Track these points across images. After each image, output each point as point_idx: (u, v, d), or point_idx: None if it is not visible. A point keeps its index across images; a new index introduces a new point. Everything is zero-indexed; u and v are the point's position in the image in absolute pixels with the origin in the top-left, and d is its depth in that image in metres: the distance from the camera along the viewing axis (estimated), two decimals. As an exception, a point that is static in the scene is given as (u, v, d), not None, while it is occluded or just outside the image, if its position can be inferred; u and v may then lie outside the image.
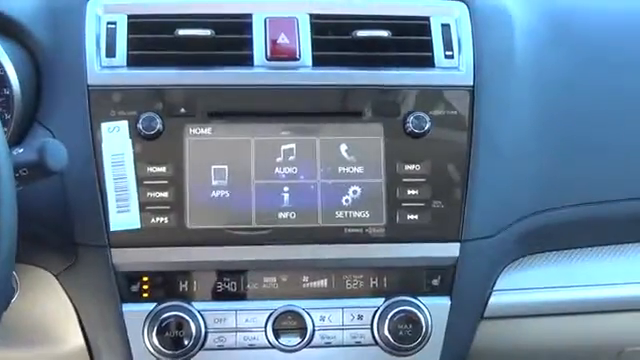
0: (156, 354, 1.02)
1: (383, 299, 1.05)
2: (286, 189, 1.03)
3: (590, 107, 1.12)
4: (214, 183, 1.02)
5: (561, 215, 1.09)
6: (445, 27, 1.08)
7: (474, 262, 1.06)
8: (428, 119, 1.03)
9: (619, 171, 1.12)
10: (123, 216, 1.02)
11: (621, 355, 1.23)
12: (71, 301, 1.07)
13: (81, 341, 1.08)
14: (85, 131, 1.02)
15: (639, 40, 1.18)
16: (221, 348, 1.04)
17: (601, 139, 1.12)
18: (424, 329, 1.04)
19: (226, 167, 1.03)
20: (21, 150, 0.87)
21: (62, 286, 1.06)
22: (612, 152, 1.12)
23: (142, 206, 1.02)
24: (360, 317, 1.05)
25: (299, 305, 1.05)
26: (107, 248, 1.02)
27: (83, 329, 1.08)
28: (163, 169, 1.02)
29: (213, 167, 1.02)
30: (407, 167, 1.04)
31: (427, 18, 1.08)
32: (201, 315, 1.03)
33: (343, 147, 1.03)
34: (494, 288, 1.10)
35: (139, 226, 1.02)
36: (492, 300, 1.10)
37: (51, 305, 1.08)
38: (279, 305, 1.05)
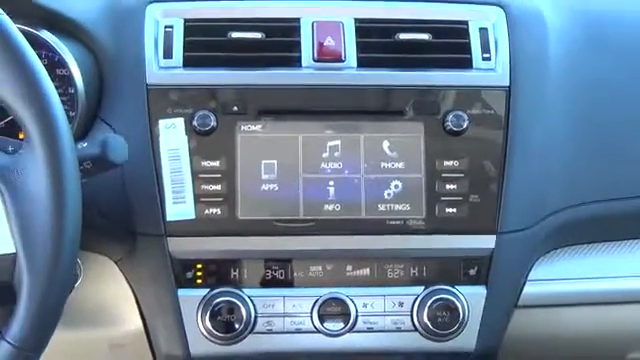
0: (209, 337, 1.03)
1: (422, 287, 1.06)
2: (331, 183, 1.03)
3: (620, 109, 1.12)
4: (264, 177, 1.03)
5: (592, 210, 1.09)
6: (483, 30, 1.08)
7: (509, 253, 1.06)
8: (466, 118, 1.03)
9: None
10: (179, 207, 1.02)
11: None
12: (130, 286, 1.08)
13: (139, 323, 1.10)
14: (144, 127, 1.03)
15: None
16: (270, 332, 1.05)
17: (630, 140, 1.11)
18: (461, 316, 1.04)
19: (275, 162, 1.03)
20: (85, 144, 0.88)
21: (122, 272, 1.08)
22: None
23: (196, 198, 1.02)
24: (401, 304, 1.05)
25: (343, 292, 1.05)
26: (164, 237, 1.03)
27: (141, 312, 1.09)
28: (216, 163, 1.02)
29: (263, 162, 1.03)
30: (446, 163, 1.03)
31: (466, 22, 1.08)
32: (251, 301, 1.04)
33: (385, 144, 1.03)
34: (528, 278, 1.10)
35: (194, 216, 1.02)
36: (526, 290, 1.10)
37: (111, 290, 1.09)
38: (324, 292, 1.05)
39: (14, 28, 0.79)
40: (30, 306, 0.78)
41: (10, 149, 0.87)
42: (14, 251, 0.79)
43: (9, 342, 0.77)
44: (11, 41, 0.78)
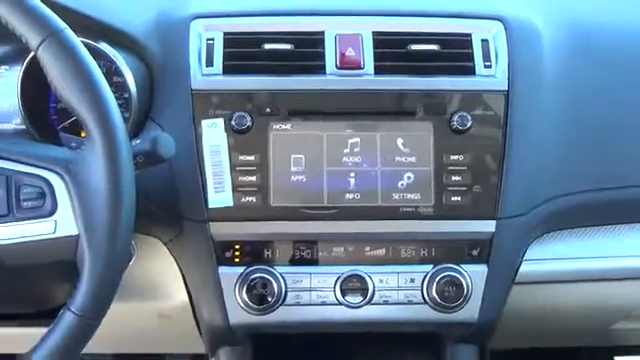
0: (245, 308, 1.06)
1: (431, 266, 1.07)
2: (352, 175, 1.05)
3: (607, 109, 1.12)
4: (293, 169, 1.04)
5: (581, 199, 1.09)
6: (484, 42, 1.08)
7: (507, 236, 1.07)
8: (470, 118, 1.04)
9: (630, 163, 1.11)
10: (219, 196, 1.04)
11: (629, 317, 1.23)
12: (177, 264, 1.10)
13: (185, 297, 1.12)
14: (189, 126, 1.04)
15: None
16: (298, 304, 1.07)
17: (616, 137, 1.11)
18: (465, 291, 1.06)
19: (303, 156, 1.05)
20: (138, 141, 0.90)
21: (170, 252, 1.10)
22: (625, 147, 1.12)
23: (234, 187, 1.04)
24: (412, 280, 1.07)
25: (362, 270, 1.07)
26: (206, 222, 1.05)
27: (187, 287, 1.11)
28: (252, 158, 1.04)
29: (292, 156, 1.05)
30: (452, 157, 1.05)
31: (469, 34, 1.08)
32: (282, 277, 1.06)
33: (399, 141, 1.05)
34: (524, 258, 1.11)
35: (232, 204, 1.04)
36: (522, 268, 1.11)
37: (161, 267, 1.11)
38: (346, 270, 1.07)
39: (78, 41, 0.81)
40: (91, 281, 0.80)
41: (73, 145, 0.88)
42: (77, 233, 0.81)
43: (73, 312, 0.80)
44: (76, 53, 0.80)
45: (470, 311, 1.08)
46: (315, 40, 1.08)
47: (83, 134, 0.95)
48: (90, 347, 0.84)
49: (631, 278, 1.16)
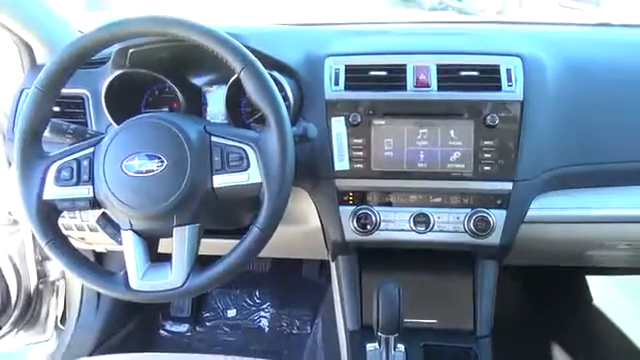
0: (355, 231, 1.17)
1: (470, 209, 1.15)
2: (422, 152, 1.13)
3: (588, 111, 1.15)
4: (385, 148, 1.14)
5: (571, 170, 1.15)
6: (508, 70, 1.13)
7: (520, 192, 1.13)
8: (497, 118, 1.10)
9: (607, 147, 1.15)
10: (341, 163, 1.15)
11: (600, 247, 1.29)
12: (314, 204, 1.22)
13: (318, 223, 1.24)
14: (324, 121, 1.14)
15: (624, 73, 1.19)
16: (386, 230, 1.17)
17: (596, 129, 1.15)
18: (491, 225, 1.14)
19: (392, 140, 1.13)
20: (295, 128, 0.99)
21: (310, 197, 1.21)
22: (603, 136, 1.15)
23: (350, 158, 1.13)
24: (458, 218, 1.16)
25: (427, 210, 1.17)
26: (333, 178, 1.16)
27: (320, 217, 1.23)
28: (360, 140, 1.13)
29: (385, 140, 1.13)
30: (485, 142, 1.12)
31: (498, 65, 1.13)
32: (377, 213, 1.16)
33: (452, 132, 1.12)
34: (530, 207, 1.17)
35: (348, 168, 1.14)
36: (529, 213, 1.17)
37: (304, 206, 1.23)
38: (416, 210, 1.17)
39: (264, 69, 0.91)
40: (268, 210, 0.90)
41: (258, 130, 0.97)
42: (261, 181, 0.90)
43: (258, 227, 0.90)
44: (263, 77, 0.90)
45: (494, 238, 1.15)
46: (400, 69, 1.14)
47: (261, 124, 1.04)
48: (261, 252, 0.93)
49: (604, 222, 1.21)
